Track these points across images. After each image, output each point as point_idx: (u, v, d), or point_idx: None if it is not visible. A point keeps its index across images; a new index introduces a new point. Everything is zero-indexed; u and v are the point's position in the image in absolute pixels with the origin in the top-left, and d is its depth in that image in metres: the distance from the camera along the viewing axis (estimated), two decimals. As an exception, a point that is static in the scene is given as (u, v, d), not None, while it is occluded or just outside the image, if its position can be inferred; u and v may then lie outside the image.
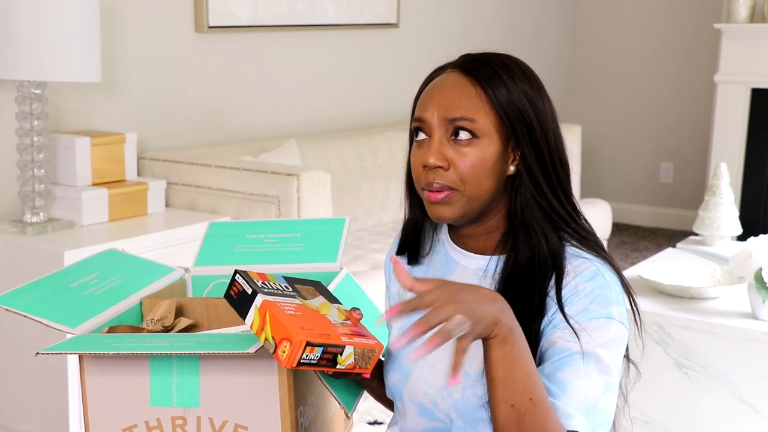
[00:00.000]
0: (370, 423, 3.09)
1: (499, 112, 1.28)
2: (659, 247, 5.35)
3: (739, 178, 5.15)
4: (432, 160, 1.28)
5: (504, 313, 1.15)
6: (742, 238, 3.84)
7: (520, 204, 1.31)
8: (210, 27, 3.82)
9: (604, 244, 5.05)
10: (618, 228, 6.03)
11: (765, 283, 2.54)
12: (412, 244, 1.44)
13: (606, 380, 1.24)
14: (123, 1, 3.50)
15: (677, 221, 6.09)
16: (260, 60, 4.12)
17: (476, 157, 1.28)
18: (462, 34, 5.27)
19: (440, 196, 1.29)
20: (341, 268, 1.55)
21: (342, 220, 1.63)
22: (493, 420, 1.19)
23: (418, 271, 1.44)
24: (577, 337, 1.24)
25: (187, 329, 1.46)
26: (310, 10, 4.25)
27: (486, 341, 1.16)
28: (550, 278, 1.28)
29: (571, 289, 1.27)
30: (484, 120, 1.28)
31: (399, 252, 1.47)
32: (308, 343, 1.14)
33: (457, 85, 1.30)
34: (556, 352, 1.24)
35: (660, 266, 2.99)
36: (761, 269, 2.54)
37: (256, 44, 4.08)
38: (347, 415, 1.24)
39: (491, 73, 1.29)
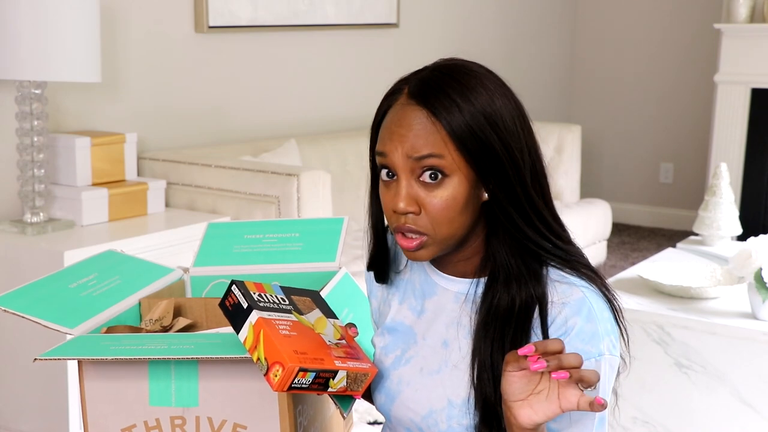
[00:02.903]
0: (370, 423, 3.09)
1: (463, 152, 1.20)
2: (659, 247, 5.35)
3: (739, 178, 5.14)
4: (402, 206, 1.22)
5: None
6: (742, 238, 3.84)
7: (496, 230, 1.25)
8: (210, 27, 3.82)
9: (604, 244, 4.99)
10: (618, 228, 6.03)
11: (765, 283, 2.54)
12: (380, 266, 1.39)
13: (599, 417, 1.24)
14: (123, 1, 3.50)
15: (677, 221, 6.09)
16: (260, 60, 4.12)
17: (448, 198, 1.21)
18: (462, 34, 5.27)
19: (413, 243, 1.24)
20: (340, 268, 1.54)
21: (340, 220, 1.63)
22: None
23: (395, 288, 1.40)
24: None
25: (186, 329, 1.46)
26: (310, 10, 4.25)
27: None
28: (534, 305, 1.23)
29: (560, 326, 1.22)
30: (452, 154, 1.20)
31: (369, 268, 1.42)
32: (301, 369, 1.12)
33: (418, 118, 1.21)
34: None
35: (660, 266, 2.99)
36: (761, 269, 2.54)
37: (256, 44, 4.08)
38: (343, 416, 1.24)
39: (450, 104, 1.20)
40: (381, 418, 3.10)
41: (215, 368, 1.24)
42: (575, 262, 1.27)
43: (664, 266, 2.99)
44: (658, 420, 2.74)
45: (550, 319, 1.23)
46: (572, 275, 1.26)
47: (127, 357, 1.19)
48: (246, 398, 1.24)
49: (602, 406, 1.11)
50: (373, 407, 3.17)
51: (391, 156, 1.23)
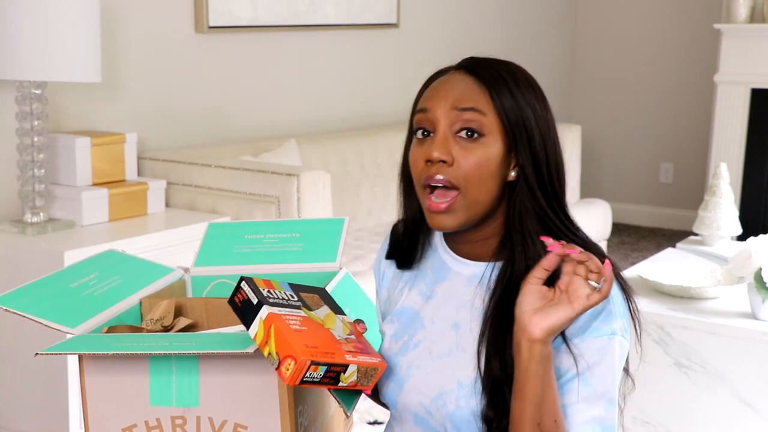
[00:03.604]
0: (370, 423, 3.09)
1: (502, 117, 1.26)
2: (659, 247, 5.35)
3: (739, 178, 5.15)
4: (436, 154, 1.25)
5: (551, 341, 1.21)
6: (742, 238, 3.84)
7: (518, 212, 1.28)
8: (210, 27, 3.82)
9: (604, 244, 5.01)
10: (618, 228, 6.03)
11: (765, 283, 2.54)
12: (407, 248, 1.40)
13: (608, 398, 1.24)
14: (123, 1, 3.50)
15: (677, 221, 6.09)
16: (260, 60, 4.12)
17: (481, 156, 1.25)
18: (462, 35, 5.27)
19: (443, 205, 1.26)
20: (340, 268, 1.54)
21: (341, 220, 1.63)
22: None
23: (408, 276, 1.42)
24: (575, 360, 1.23)
25: (187, 329, 1.46)
26: (310, 10, 4.25)
27: (531, 355, 1.19)
28: None
29: None
30: (492, 116, 1.26)
31: (389, 256, 1.43)
32: (312, 362, 1.13)
33: (465, 81, 1.28)
34: (556, 376, 1.24)
35: (660, 266, 2.99)
36: (761, 269, 2.54)
37: (256, 44, 4.08)
38: (346, 415, 1.24)
39: (497, 77, 1.27)
40: (381, 418, 3.10)
41: (216, 365, 1.24)
42: (593, 250, 1.29)
43: (664, 266, 2.99)
44: (658, 420, 2.74)
45: None
46: None
47: (128, 352, 1.19)
48: (247, 398, 1.24)
49: (611, 271, 1.17)
50: (374, 407, 3.18)
51: (432, 111, 1.27)
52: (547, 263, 1.20)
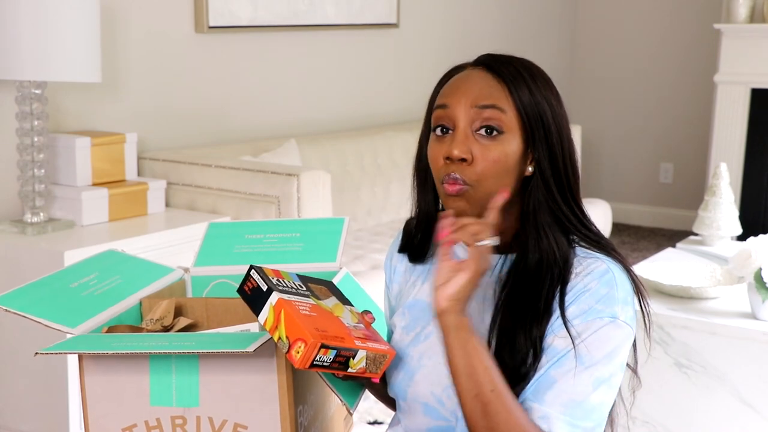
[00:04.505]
0: (370, 423, 3.09)
1: (521, 113, 1.28)
2: (659, 247, 5.35)
3: (739, 178, 5.15)
4: (457, 152, 1.26)
5: (463, 309, 1.23)
6: (742, 238, 3.84)
7: (532, 206, 1.30)
8: (210, 27, 3.82)
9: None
10: (618, 228, 6.03)
11: (765, 283, 2.54)
12: (420, 241, 1.42)
13: (598, 377, 1.25)
14: (123, 1, 3.50)
15: (677, 221, 6.09)
16: (260, 60, 4.12)
17: (500, 153, 1.27)
18: (462, 35, 5.27)
19: (456, 188, 1.28)
20: (341, 268, 1.55)
21: (341, 220, 1.63)
22: (463, 412, 1.23)
23: (421, 270, 1.44)
24: (572, 339, 1.24)
25: (187, 329, 1.46)
26: (310, 10, 4.25)
27: (445, 326, 1.22)
28: (557, 283, 1.27)
29: (580, 288, 1.27)
30: (511, 113, 1.28)
31: (402, 250, 1.46)
32: (323, 345, 1.14)
33: (484, 78, 1.30)
34: (552, 352, 1.25)
35: (660, 266, 2.99)
36: (761, 269, 2.54)
37: (256, 44, 4.08)
38: (350, 412, 1.25)
39: (516, 73, 1.30)
40: (381, 418, 3.10)
41: (216, 365, 1.24)
42: (605, 246, 1.33)
43: (664, 266, 3.00)
44: (658, 420, 2.74)
45: (569, 286, 1.27)
46: (599, 252, 1.31)
47: (128, 351, 1.19)
48: (247, 398, 1.24)
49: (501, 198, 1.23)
50: (374, 407, 3.17)
51: (452, 108, 1.29)
52: (443, 250, 1.23)
